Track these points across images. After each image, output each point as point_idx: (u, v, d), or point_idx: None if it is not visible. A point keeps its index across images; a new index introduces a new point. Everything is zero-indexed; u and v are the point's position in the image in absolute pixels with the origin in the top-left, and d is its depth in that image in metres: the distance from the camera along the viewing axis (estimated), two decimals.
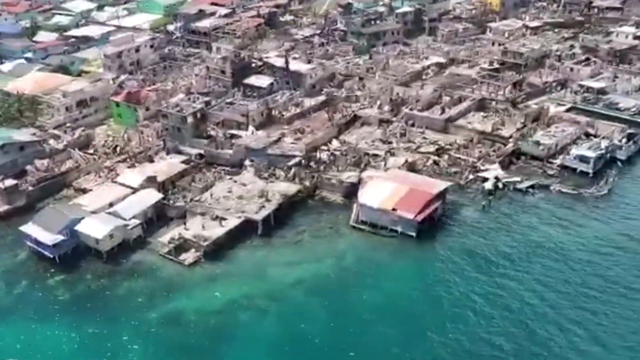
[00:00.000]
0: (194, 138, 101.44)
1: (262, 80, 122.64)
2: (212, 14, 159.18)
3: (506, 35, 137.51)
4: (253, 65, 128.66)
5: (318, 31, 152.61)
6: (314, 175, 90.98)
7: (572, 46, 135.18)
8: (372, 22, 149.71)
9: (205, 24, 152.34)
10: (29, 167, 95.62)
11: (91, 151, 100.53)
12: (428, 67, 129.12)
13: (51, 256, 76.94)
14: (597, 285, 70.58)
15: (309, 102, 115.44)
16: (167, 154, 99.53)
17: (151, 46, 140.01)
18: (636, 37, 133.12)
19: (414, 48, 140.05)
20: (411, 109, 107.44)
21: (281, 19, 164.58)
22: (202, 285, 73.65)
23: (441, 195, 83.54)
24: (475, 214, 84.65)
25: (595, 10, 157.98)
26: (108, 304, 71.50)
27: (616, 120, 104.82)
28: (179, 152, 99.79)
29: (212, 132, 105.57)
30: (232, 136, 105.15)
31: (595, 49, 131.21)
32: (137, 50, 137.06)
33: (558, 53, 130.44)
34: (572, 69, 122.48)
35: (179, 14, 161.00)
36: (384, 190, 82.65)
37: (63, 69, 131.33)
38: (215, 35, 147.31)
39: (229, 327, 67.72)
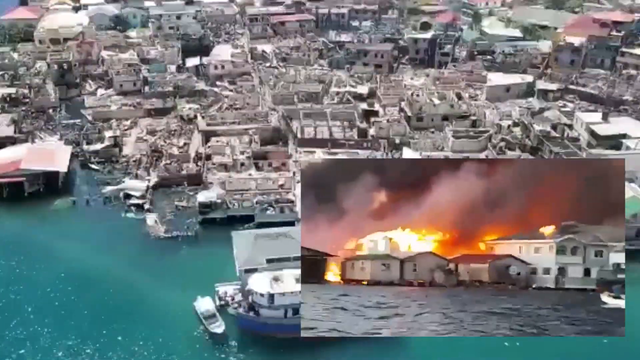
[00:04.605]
0: (55, 84, 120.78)
1: (191, 62, 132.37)
2: (281, 3, 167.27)
3: (436, 82, 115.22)
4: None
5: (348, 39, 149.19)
6: None
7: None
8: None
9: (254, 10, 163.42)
10: None
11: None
12: (343, 94, 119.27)
13: None
14: None
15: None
16: None
17: (194, 17, 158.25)
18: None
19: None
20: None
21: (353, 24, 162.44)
22: None
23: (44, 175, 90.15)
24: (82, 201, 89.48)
25: None
26: None
27: None
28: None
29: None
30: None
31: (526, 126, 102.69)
32: (178, 17, 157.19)
33: (474, 117, 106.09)
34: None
35: None
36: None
37: (119, 20, 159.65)
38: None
39: None
